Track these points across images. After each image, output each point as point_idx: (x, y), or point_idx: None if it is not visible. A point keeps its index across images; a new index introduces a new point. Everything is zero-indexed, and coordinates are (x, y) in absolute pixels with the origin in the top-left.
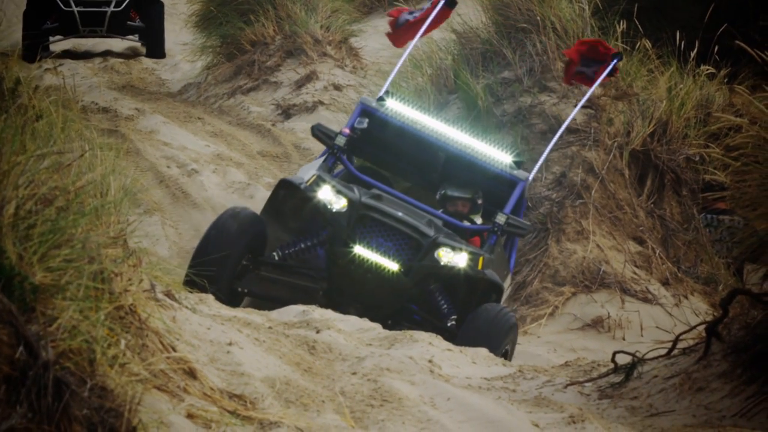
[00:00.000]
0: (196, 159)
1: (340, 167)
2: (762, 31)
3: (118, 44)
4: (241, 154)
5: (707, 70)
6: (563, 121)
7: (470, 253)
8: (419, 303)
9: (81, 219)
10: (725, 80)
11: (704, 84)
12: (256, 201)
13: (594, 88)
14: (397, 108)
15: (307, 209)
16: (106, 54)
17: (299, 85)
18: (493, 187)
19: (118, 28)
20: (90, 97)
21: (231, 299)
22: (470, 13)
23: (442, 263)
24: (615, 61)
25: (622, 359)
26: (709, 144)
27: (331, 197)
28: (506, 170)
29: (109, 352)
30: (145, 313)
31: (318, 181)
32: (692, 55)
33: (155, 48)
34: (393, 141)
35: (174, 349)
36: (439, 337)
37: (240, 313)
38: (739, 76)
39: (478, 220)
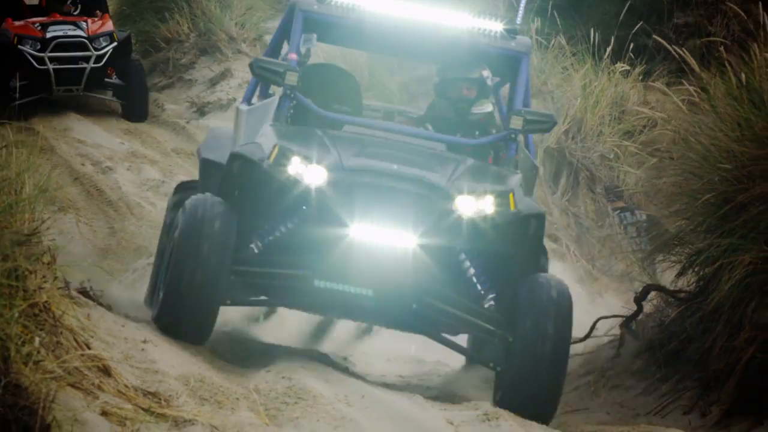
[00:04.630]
0: (111, 156)
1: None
2: (676, 28)
3: None
4: (156, 151)
5: (622, 67)
6: None
7: (496, 195)
8: (446, 280)
9: None
10: (640, 77)
11: (619, 81)
12: None
13: None
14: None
15: (275, 190)
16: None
17: (214, 82)
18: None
19: (96, 86)
20: None
21: (211, 322)
22: None
23: (464, 217)
24: None
25: None
26: (624, 141)
27: (303, 170)
28: (499, 44)
29: (23, 350)
30: (59, 310)
31: (283, 152)
32: (607, 52)
33: (137, 109)
34: (354, 41)
35: (88, 347)
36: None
37: None
38: (654, 73)
39: (488, 107)
